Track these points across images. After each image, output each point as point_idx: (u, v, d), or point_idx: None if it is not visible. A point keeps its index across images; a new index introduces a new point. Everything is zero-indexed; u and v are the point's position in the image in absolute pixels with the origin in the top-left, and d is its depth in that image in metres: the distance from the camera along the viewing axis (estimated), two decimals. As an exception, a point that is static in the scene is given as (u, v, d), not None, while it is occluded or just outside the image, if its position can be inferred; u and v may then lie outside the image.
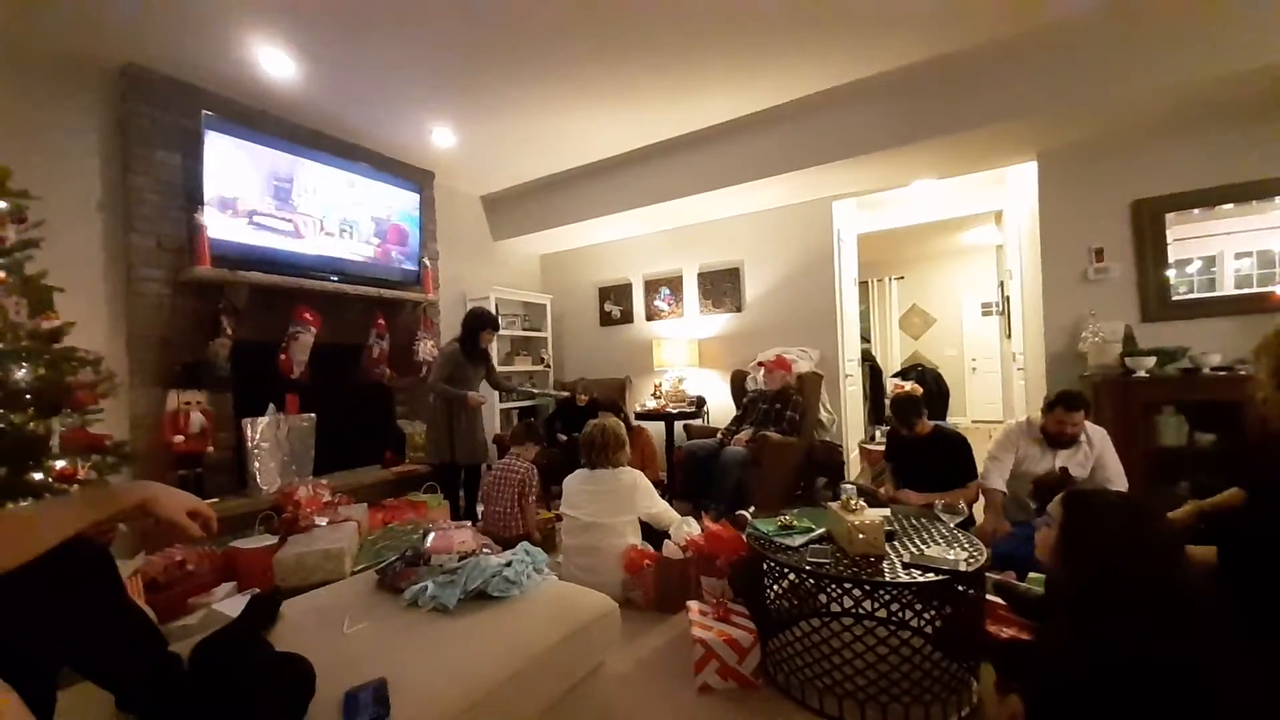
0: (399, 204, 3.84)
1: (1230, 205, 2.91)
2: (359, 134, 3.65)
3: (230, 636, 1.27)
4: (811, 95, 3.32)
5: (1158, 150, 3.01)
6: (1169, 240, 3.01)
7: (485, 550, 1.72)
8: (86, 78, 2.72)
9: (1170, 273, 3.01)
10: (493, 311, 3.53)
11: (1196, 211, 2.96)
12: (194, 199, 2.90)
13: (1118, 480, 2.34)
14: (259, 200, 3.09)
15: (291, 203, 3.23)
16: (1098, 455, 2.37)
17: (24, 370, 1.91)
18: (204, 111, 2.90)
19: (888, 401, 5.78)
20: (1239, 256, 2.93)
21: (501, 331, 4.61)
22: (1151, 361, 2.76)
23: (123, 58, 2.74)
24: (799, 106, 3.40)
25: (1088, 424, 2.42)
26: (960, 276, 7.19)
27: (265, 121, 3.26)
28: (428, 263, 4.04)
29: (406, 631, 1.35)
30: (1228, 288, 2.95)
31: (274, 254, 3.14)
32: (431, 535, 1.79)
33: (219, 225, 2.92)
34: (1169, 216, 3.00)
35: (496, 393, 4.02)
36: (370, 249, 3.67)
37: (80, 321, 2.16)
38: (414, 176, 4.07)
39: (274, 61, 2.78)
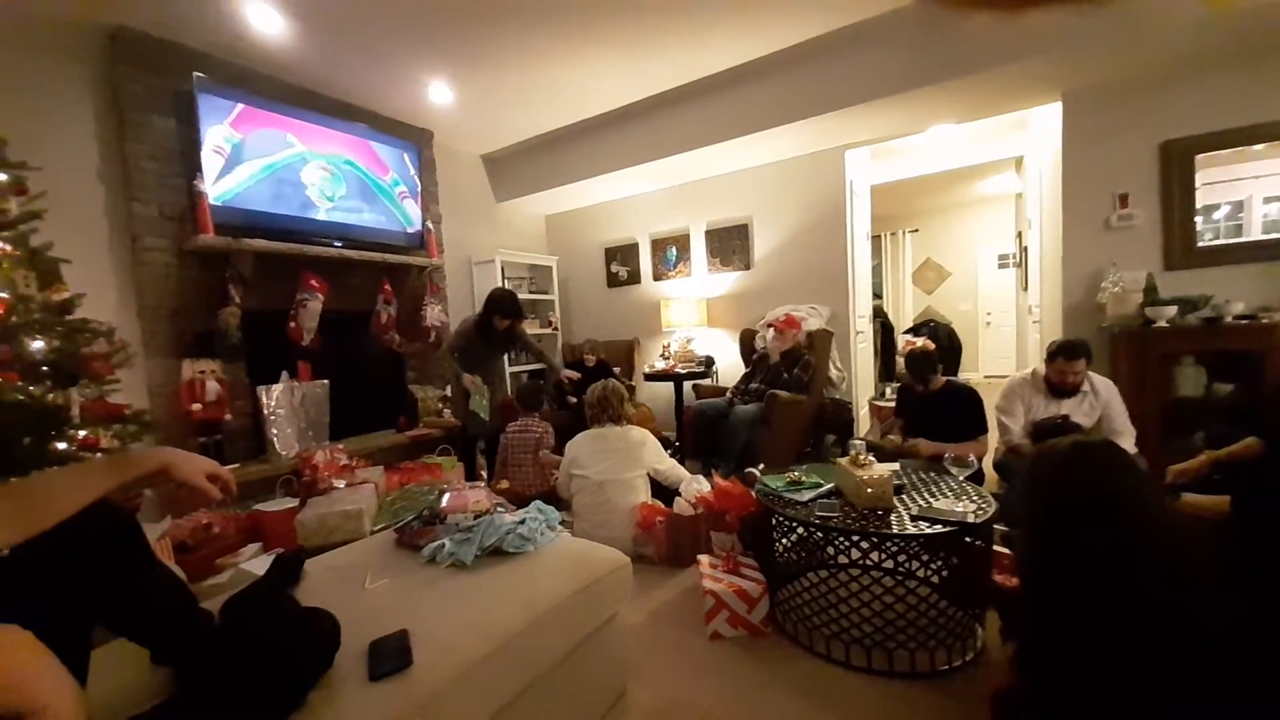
0: (397, 165, 3.77)
1: (1261, 146, 2.76)
2: (353, 93, 3.54)
3: (258, 593, 1.32)
4: (823, 35, 3.14)
5: (1189, 88, 2.85)
6: (1197, 185, 2.88)
7: (499, 509, 1.75)
8: (76, 43, 2.64)
9: (1197, 218, 2.89)
10: (509, 291, 3.47)
11: (1227, 153, 2.82)
12: (192, 165, 2.86)
13: (1124, 430, 2.34)
14: (258, 165, 3.04)
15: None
16: (1104, 405, 2.37)
17: (39, 342, 1.93)
18: (195, 74, 2.82)
19: (900, 358, 5.74)
20: (1268, 200, 2.81)
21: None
22: (1172, 311, 2.69)
23: (111, 20, 2.65)
24: (810, 49, 3.23)
25: (1094, 375, 2.41)
26: (976, 228, 7.00)
27: (259, 83, 3.17)
28: (430, 226, 3.99)
29: (425, 586, 1.40)
30: (1255, 233, 2.84)
31: (277, 220, 3.11)
32: (447, 495, 1.83)
33: (219, 190, 2.88)
34: (1198, 159, 2.86)
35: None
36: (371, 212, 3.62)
37: (89, 293, 2.16)
38: (411, 136, 3.97)
39: (263, 17, 2.68)
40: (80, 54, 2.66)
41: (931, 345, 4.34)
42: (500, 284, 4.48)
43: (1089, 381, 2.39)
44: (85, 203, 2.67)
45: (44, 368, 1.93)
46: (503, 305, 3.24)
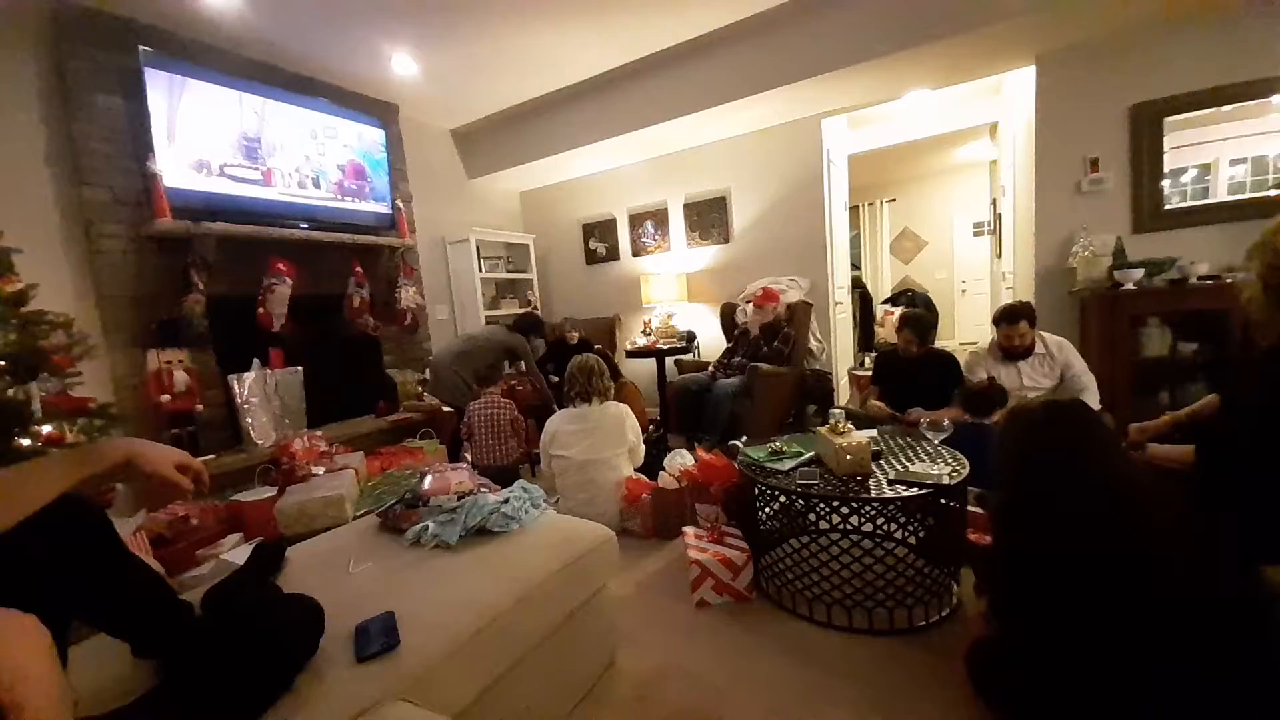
0: (362, 142, 3.64)
1: (1229, 108, 2.80)
2: (312, 66, 3.39)
3: (239, 582, 1.30)
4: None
5: (1161, 48, 2.86)
6: (1165, 148, 2.92)
7: (483, 489, 1.75)
8: (17, 22, 2.49)
9: (1165, 182, 2.94)
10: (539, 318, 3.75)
11: (1195, 115, 2.86)
12: (144, 146, 2.72)
13: (1086, 386, 2.42)
14: (214, 145, 2.91)
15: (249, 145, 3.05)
16: (1063, 363, 2.44)
17: (-8, 336, 1.85)
18: (141, 47, 2.67)
19: (879, 328, 5.82)
20: (1233, 163, 2.87)
21: (485, 275, 4.55)
22: (1140, 273, 2.76)
23: (52, -6, 2.50)
24: (785, 13, 3.17)
25: (1047, 335, 2.49)
26: (952, 196, 7.05)
27: (211, 56, 3.01)
28: (401, 205, 3.88)
29: (410, 568, 1.40)
30: (1220, 195, 2.90)
31: (237, 201, 2.99)
32: (429, 478, 1.81)
33: (175, 173, 2.76)
34: (1167, 121, 2.90)
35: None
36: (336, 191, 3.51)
37: (44, 283, 2.07)
38: (377, 110, 3.83)
39: (209, -15, 2.53)
40: (22, 32, 2.51)
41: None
42: (475, 263, 4.44)
43: (1042, 343, 2.46)
44: (34, 189, 2.54)
45: (1, 362, 1.86)
46: (540, 328, 3.59)
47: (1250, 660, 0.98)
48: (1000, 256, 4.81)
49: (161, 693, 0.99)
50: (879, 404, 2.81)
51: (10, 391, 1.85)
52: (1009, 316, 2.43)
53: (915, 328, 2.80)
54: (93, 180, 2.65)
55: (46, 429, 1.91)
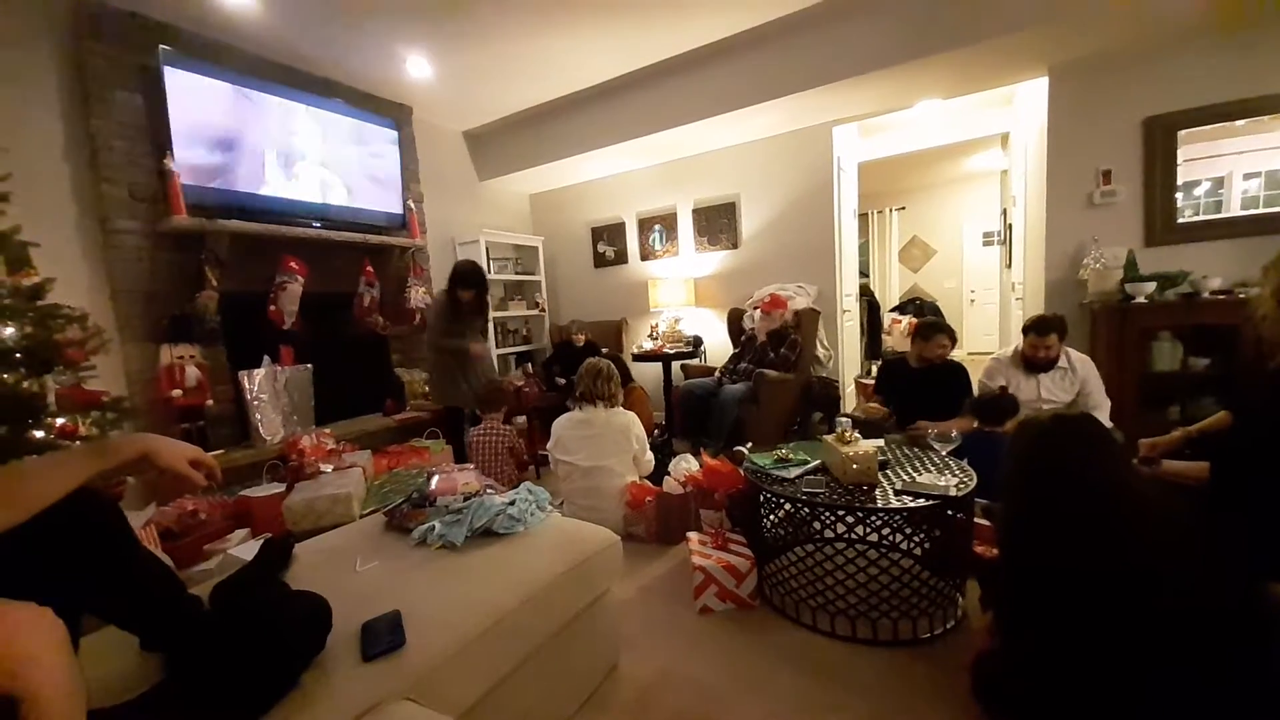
0: (376, 143, 3.67)
1: (1243, 122, 2.79)
2: (328, 67, 3.43)
3: (247, 578, 1.31)
4: (811, 8, 3.09)
5: (1174, 63, 2.85)
6: (1179, 161, 2.91)
7: (489, 490, 1.75)
8: (38, 18, 2.52)
9: (1178, 195, 2.92)
10: (476, 262, 3.29)
11: (1209, 129, 2.84)
12: (162, 143, 2.75)
13: (1100, 404, 2.40)
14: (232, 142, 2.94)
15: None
16: (1082, 380, 2.43)
17: (10, 329, 1.87)
18: (161, 46, 2.71)
19: (886, 336, 5.80)
20: (1247, 177, 2.85)
21: (494, 276, 4.57)
22: (1151, 287, 2.74)
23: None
24: (798, 22, 3.18)
25: (1071, 350, 2.47)
26: (962, 205, 7.03)
27: (229, 56, 3.05)
28: (412, 205, 3.91)
29: (417, 568, 1.40)
30: (1234, 209, 2.88)
31: (252, 200, 3.02)
32: (436, 478, 1.82)
33: (192, 170, 2.79)
34: (1181, 135, 2.88)
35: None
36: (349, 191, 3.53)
37: (60, 277, 2.10)
38: (390, 112, 3.86)
39: (229, -14, 2.57)
40: (44, 28, 2.54)
41: (915, 323, 4.38)
42: (485, 264, 4.44)
43: (1066, 357, 2.45)
44: (52, 184, 2.57)
45: (17, 355, 1.88)
46: (461, 276, 3.06)
47: (1252, 670, 0.97)
48: (1010, 267, 4.79)
49: (169, 686, 1.00)
50: (873, 405, 2.79)
51: (25, 384, 1.87)
52: (1040, 327, 2.41)
53: (948, 332, 2.73)
54: (110, 176, 2.69)
55: (60, 421, 1.93)
